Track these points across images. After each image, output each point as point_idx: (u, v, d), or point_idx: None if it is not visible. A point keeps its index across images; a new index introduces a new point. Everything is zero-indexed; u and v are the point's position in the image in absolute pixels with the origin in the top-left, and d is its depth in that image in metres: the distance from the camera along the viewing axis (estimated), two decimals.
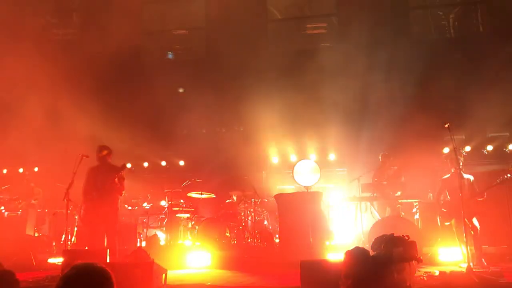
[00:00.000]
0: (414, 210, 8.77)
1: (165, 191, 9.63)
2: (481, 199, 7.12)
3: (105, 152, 7.23)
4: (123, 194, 7.33)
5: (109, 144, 7.51)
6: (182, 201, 9.60)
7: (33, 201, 9.83)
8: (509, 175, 6.75)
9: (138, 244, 9.20)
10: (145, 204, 10.28)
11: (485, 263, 6.68)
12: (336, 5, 12.43)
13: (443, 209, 7.33)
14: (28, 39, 11.02)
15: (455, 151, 6.23)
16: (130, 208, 10.14)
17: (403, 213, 8.37)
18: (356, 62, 10.48)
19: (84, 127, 10.45)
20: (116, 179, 6.97)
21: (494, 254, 7.47)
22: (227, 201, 9.86)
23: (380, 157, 9.29)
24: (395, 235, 4.15)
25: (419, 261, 3.94)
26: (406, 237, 4.07)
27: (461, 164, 6.71)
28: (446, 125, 6.18)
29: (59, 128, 10.74)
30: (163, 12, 13.53)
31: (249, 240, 8.83)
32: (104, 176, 6.99)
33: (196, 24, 13.18)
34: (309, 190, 8.54)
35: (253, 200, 9.12)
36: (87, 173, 7.19)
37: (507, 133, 10.85)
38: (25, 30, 11.58)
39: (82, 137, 9.95)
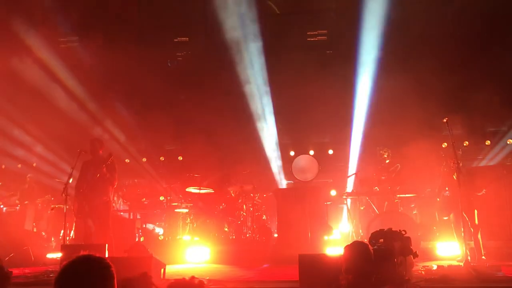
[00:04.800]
0: (413, 205, 8.78)
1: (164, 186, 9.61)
2: (480, 193, 7.10)
3: (97, 144, 7.21)
4: (115, 185, 7.22)
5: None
6: (180, 196, 9.58)
7: (37, 200, 9.76)
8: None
9: (137, 239, 9.19)
10: (143, 199, 10.27)
11: (484, 258, 6.68)
12: None
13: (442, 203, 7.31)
14: None
15: (453, 146, 6.20)
16: (128, 203, 10.12)
17: (401, 208, 8.37)
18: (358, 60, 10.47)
19: None
20: (105, 170, 6.92)
21: (492, 248, 7.48)
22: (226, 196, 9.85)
23: (378, 152, 9.25)
24: (393, 229, 4.15)
25: (415, 256, 3.95)
26: (404, 232, 4.08)
27: (459, 159, 6.67)
28: (445, 120, 6.15)
29: None
30: None
31: (247, 235, 8.83)
32: (95, 169, 6.97)
33: None
34: (307, 185, 8.53)
35: (251, 195, 9.11)
36: (80, 167, 7.17)
37: (506, 128, 10.84)
38: None
39: None
